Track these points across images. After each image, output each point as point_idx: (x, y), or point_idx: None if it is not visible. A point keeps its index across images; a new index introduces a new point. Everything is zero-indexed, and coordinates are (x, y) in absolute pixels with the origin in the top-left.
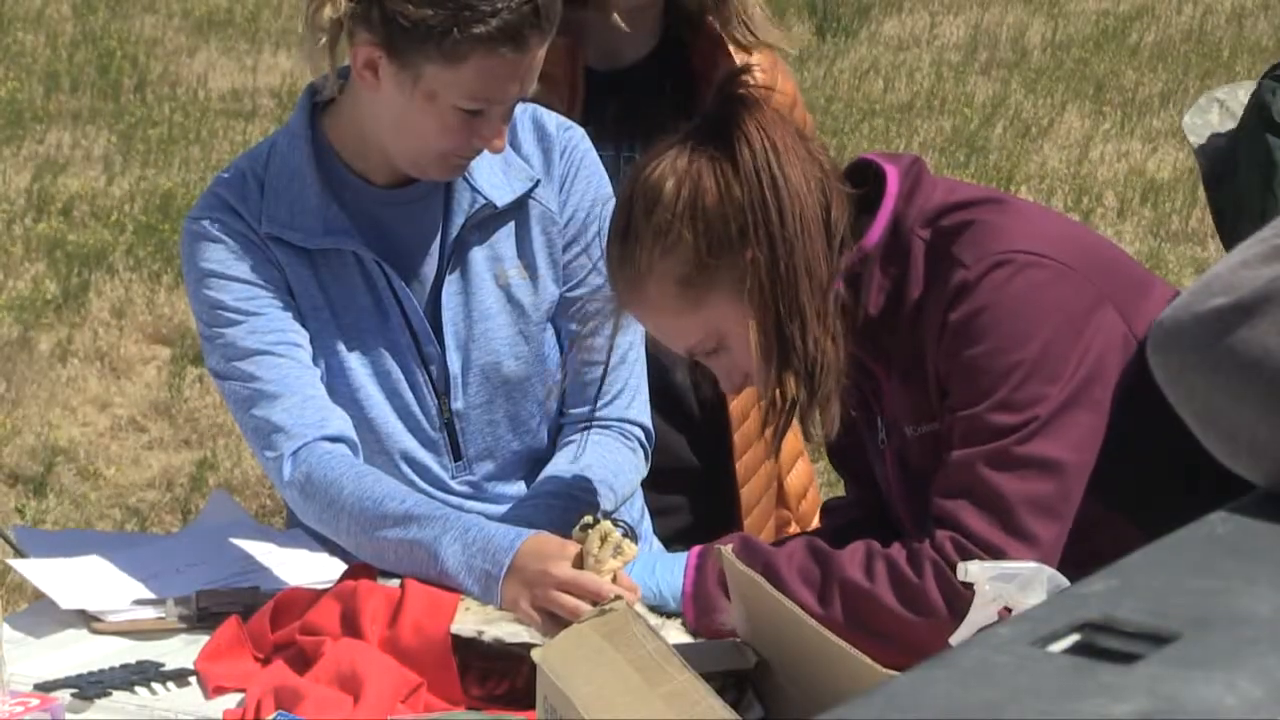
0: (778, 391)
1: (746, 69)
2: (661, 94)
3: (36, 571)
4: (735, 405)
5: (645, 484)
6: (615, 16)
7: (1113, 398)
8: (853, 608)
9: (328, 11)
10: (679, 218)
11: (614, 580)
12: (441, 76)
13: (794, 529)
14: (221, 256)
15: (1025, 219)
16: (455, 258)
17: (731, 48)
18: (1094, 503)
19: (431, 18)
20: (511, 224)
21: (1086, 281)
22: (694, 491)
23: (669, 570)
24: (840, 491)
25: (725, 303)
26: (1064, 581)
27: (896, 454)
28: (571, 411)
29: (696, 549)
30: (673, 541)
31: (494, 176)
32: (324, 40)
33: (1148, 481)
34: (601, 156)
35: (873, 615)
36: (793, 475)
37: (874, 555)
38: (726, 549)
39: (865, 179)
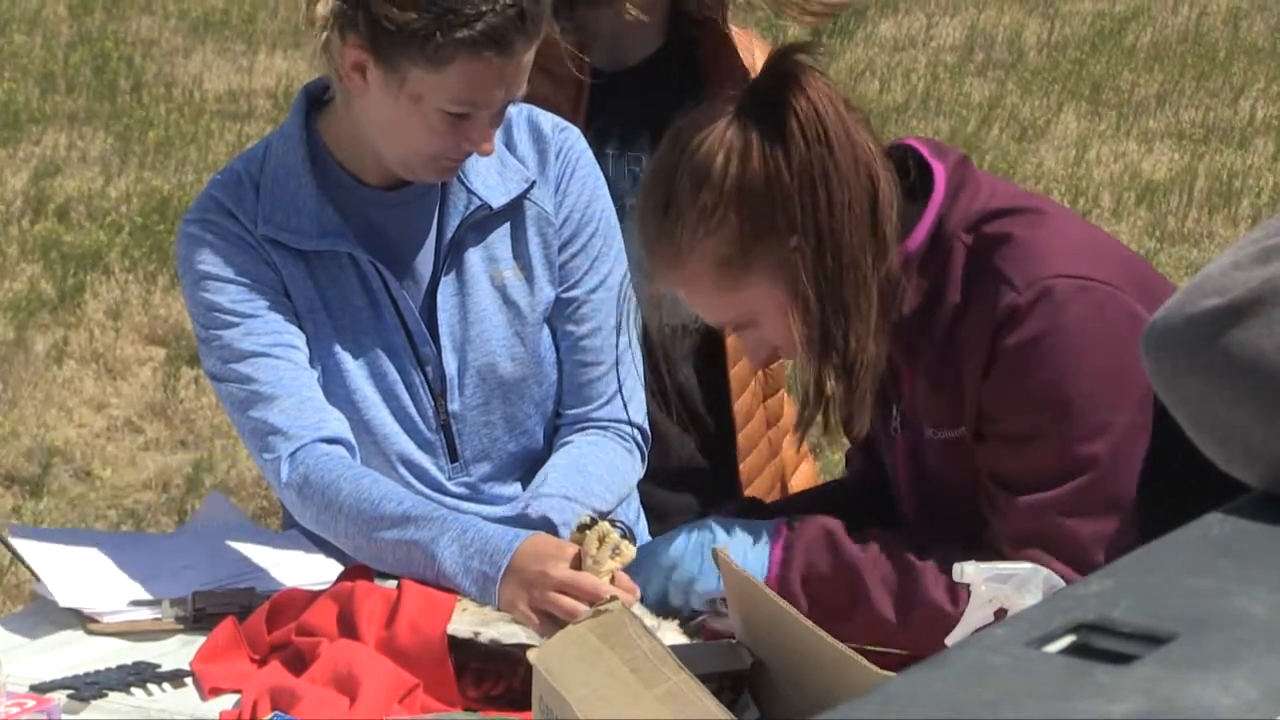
0: (813, 385)
1: (806, 45)
2: (668, 94)
3: (37, 556)
4: (739, 406)
5: (648, 483)
6: (630, 8)
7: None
8: (933, 628)
9: (320, 8)
10: (726, 198)
11: (612, 581)
12: (426, 80)
13: None
14: (217, 259)
15: (1065, 235)
16: (451, 259)
17: (739, 47)
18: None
19: (415, 21)
20: (507, 225)
21: (1129, 300)
22: (694, 491)
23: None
24: None
25: (763, 283)
26: (1060, 582)
27: (910, 447)
28: (568, 412)
29: (779, 546)
30: None
31: (489, 178)
32: (324, 36)
33: (1169, 495)
34: (606, 156)
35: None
36: (797, 477)
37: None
38: (723, 550)
39: (907, 167)
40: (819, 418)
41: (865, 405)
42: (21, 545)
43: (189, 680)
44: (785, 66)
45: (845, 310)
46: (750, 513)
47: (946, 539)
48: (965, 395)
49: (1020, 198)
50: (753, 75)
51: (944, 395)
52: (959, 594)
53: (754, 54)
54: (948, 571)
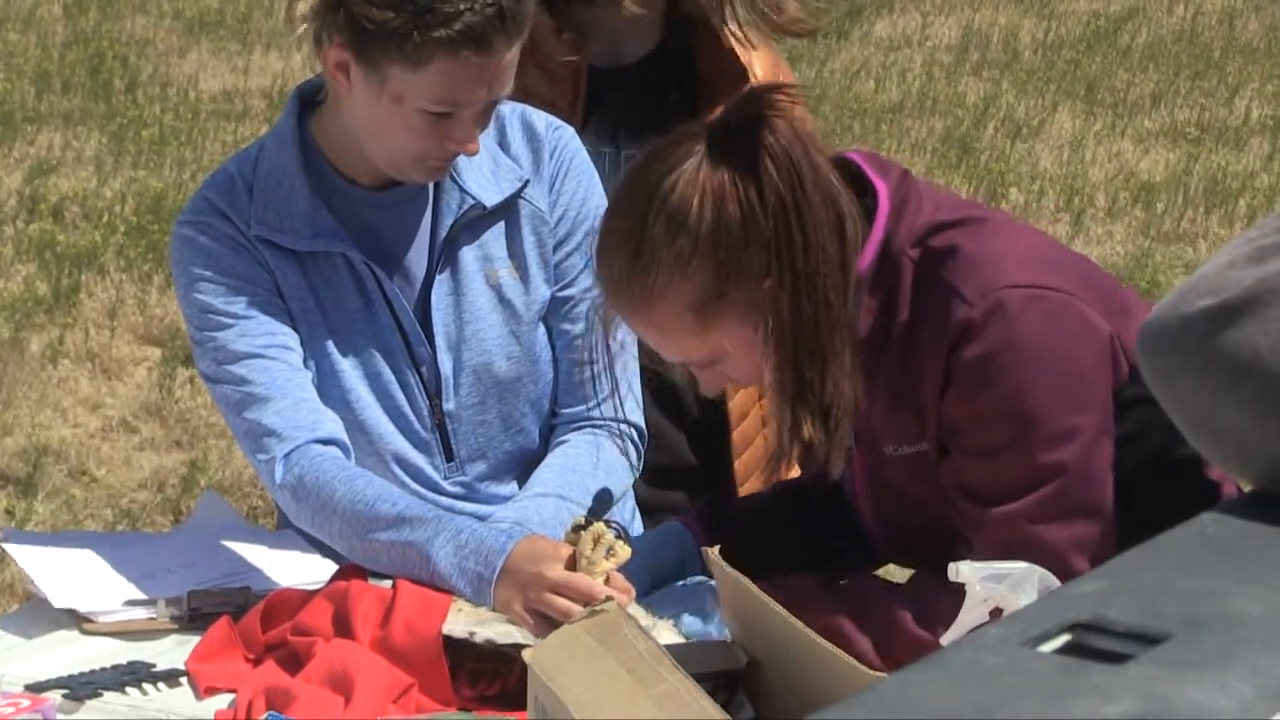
0: (789, 429)
1: (776, 86)
2: (663, 92)
3: (30, 560)
4: (734, 404)
5: (642, 481)
6: (628, 4)
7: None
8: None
9: (300, 6)
10: (702, 245)
11: (607, 582)
12: (406, 80)
13: None
14: (211, 260)
15: (1011, 243)
16: (445, 258)
17: (736, 46)
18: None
19: (393, 20)
20: (501, 224)
21: (1082, 305)
22: (691, 489)
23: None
24: None
25: (734, 325)
26: (1055, 582)
27: (867, 464)
28: (564, 411)
29: None
30: None
31: (482, 177)
32: (302, 29)
33: (1157, 490)
34: (602, 154)
35: None
36: (790, 475)
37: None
38: (713, 551)
39: (849, 180)
40: (787, 459)
41: (843, 447)
42: (15, 549)
43: (184, 680)
44: (754, 106)
45: (821, 353)
46: (714, 520)
47: (918, 574)
48: (925, 410)
49: (963, 208)
50: (749, 72)
51: (903, 411)
52: (938, 631)
53: (750, 51)
54: (925, 617)
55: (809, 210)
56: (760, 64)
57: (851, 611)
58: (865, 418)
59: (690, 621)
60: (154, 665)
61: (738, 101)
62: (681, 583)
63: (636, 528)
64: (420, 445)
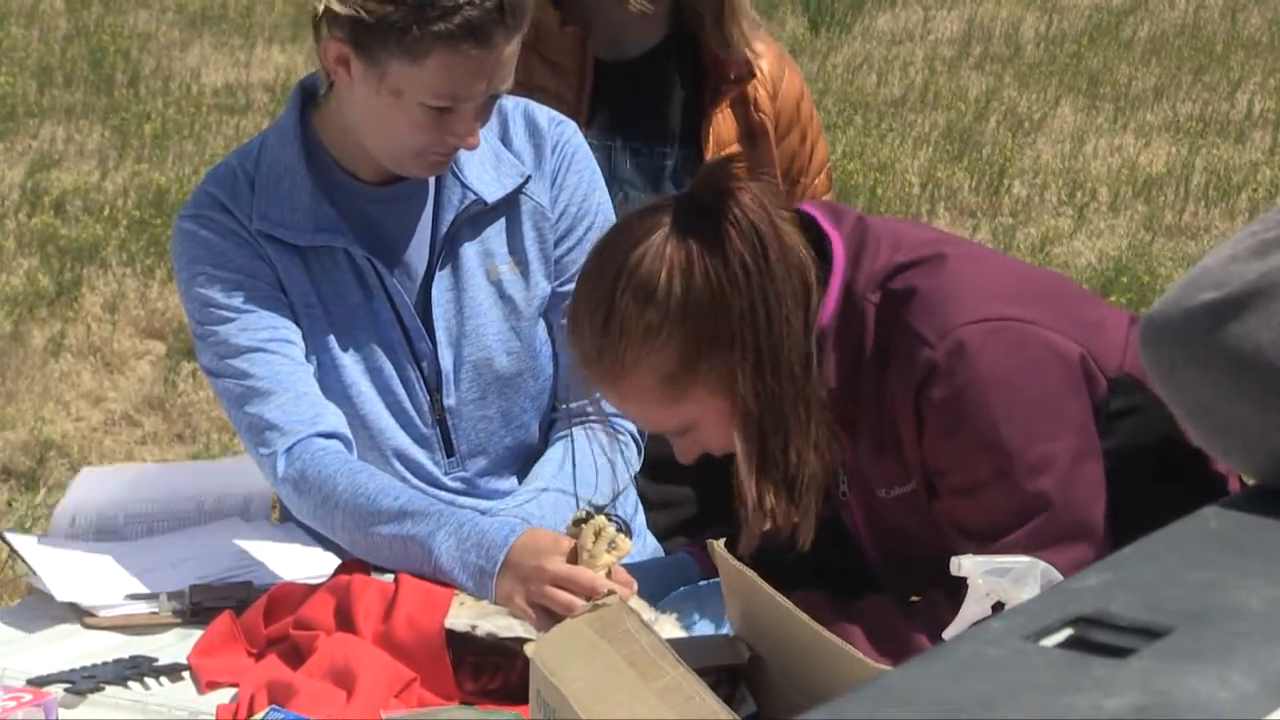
0: (755, 501)
1: (738, 155)
2: (670, 85)
3: (33, 553)
4: None
5: (647, 475)
6: (633, 1)
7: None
8: None
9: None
10: (671, 318)
11: (608, 575)
12: (406, 74)
13: None
14: (212, 254)
15: (968, 277)
16: (446, 254)
17: (741, 40)
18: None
19: (393, 14)
20: (503, 219)
21: (1049, 331)
22: (694, 482)
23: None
24: None
25: (705, 396)
26: (1057, 576)
27: (863, 505)
28: (564, 406)
29: None
30: (675, 534)
31: (484, 173)
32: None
33: (1144, 495)
34: (607, 148)
35: None
36: None
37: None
38: (718, 543)
39: (807, 233)
40: (753, 532)
41: (810, 518)
42: (18, 540)
43: (186, 674)
44: (718, 179)
45: (785, 425)
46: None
47: (929, 593)
48: (905, 453)
49: (922, 245)
50: (754, 66)
51: (886, 455)
52: None
53: (756, 45)
54: (937, 633)
55: (772, 283)
56: (767, 58)
57: (865, 628)
58: (853, 463)
59: (703, 625)
60: (156, 659)
61: (704, 174)
62: (704, 582)
63: (639, 521)
64: (421, 440)
